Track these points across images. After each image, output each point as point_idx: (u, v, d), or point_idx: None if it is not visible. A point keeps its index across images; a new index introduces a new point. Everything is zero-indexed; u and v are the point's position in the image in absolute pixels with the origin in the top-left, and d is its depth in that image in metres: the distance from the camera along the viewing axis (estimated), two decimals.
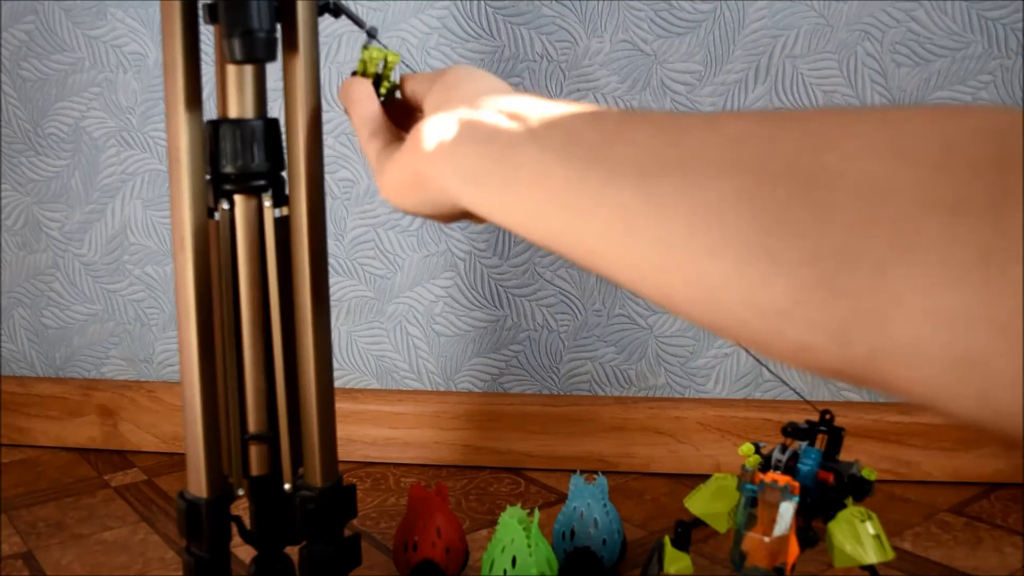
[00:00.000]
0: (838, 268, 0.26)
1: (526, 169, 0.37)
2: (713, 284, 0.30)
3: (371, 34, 0.59)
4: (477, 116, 0.42)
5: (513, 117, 0.40)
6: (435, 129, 0.44)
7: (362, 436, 1.04)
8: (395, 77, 0.59)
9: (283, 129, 0.60)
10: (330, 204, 1.02)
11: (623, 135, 0.34)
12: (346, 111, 0.56)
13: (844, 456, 0.66)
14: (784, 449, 0.64)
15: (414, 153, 0.45)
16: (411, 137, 0.46)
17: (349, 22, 0.62)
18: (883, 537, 0.62)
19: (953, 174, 0.25)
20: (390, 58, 0.57)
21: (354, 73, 0.58)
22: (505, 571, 0.69)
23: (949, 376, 0.24)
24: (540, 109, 0.40)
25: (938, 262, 0.24)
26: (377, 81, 0.58)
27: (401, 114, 0.57)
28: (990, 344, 0.23)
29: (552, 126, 0.38)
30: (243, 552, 0.76)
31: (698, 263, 0.30)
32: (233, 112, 0.59)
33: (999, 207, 0.23)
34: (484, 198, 0.40)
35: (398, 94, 0.58)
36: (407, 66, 0.62)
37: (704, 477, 0.69)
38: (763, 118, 0.31)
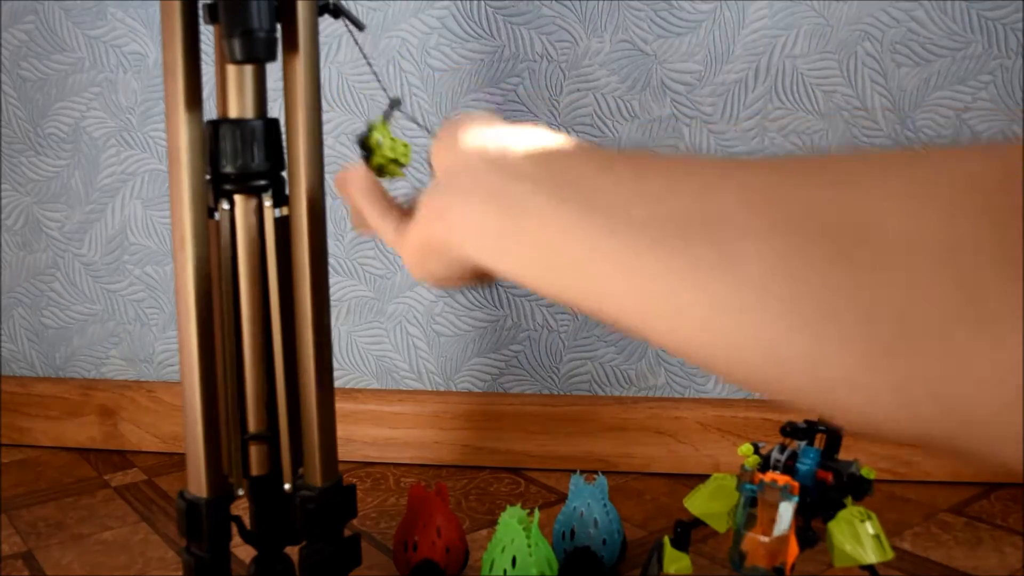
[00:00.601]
0: (898, 331, 0.25)
1: (542, 229, 0.36)
2: (761, 352, 0.28)
3: (394, 105, 0.57)
4: (487, 174, 0.40)
5: (523, 173, 0.38)
6: (445, 191, 0.42)
7: (362, 436, 1.04)
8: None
9: (283, 129, 0.60)
10: (330, 204, 1.02)
11: (642, 189, 0.33)
12: (342, 195, 0.55)
13: (844, 455, 0.66)
14: (783, 449, 0.64)
15: (427, 219, 0.44)
16: (422, 204, 0.44)
17: (353, 22, 0.62)
18: (883, 537, 0.62)
19: (1001, 224, 0.23)
20: (402, 158, 0.57)
21: (364, 145, 0.57)
22: (505, 571, 0.69)
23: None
24: (551, 162, 0.38)
25: (1008, 323, 0.23)
26: (366, 152, 0.57)
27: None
28: None
29: (564, 181, 0.36)
30: (243, 552, 0.76)
31: (744, 331, 0.29)
32: (233, 112, 0.59)
33: None
34: (500, 258, 0.39)
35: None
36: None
37: (704, 477, 0.69)
38: (781, 168, 0.30)
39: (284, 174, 0.60)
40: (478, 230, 0.40)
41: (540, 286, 0.37)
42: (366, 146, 0.56)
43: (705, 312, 0.30)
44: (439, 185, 0.43)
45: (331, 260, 1.03)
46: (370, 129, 0.56)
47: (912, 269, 0.25)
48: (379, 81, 0.60)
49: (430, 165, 0.52)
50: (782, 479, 0.61)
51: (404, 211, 0.51)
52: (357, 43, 0.60)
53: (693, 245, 0.30)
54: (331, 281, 1.02)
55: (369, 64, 0.59)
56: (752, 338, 0.29)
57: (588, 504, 0.77)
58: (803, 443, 0.65)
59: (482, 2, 0.97)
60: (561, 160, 0.38)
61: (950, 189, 0.25)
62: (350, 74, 0.99)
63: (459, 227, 0.41)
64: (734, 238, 0.29)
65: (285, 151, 0.60)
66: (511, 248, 0.38)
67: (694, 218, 0.31)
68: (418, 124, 0.59)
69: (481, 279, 0.45)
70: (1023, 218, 0.23)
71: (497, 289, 1.02)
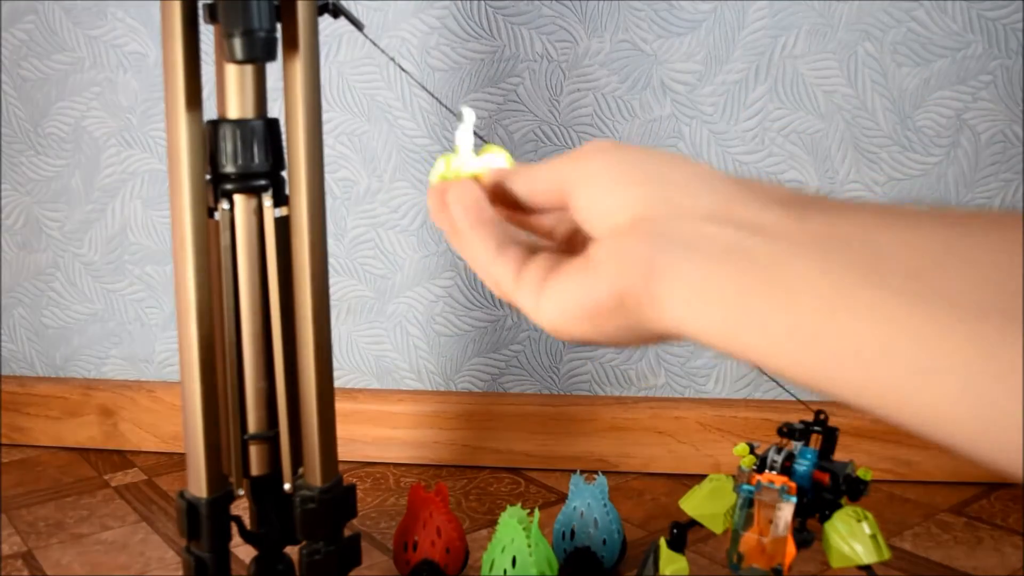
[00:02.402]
0: None
1: (815, 299, 0.29)
2: None
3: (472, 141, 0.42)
4: (704, 222, 0.33)
5: (762, 216, 0.32)
6: (664, 241, 0.34)
7: (362, 436, 1.04)
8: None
9: (283, 129, 0.60)
10: (330, 204, 1.02)
11: (950, 265, 0.28)
12: (436, 216, 0.40)
13: (845, 456, 0.66)
14: (779, 450, 0.64)
15: (621, 274, 0.34)
16: (614, 250, 0.35)
17: (352, 22, 0.62)
18: (879, 537, 0.62)
19: None
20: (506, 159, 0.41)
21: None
22: (505, 571, 0.69)
23: None
24: (792, 203, 0.33)
25: None
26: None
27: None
28: None
29: (826, 229, 0.31)
30: (243, 552, 0.76)
31: None
32: (233, 112, 0.59)
33: None
34: (733, 328, 0.32)
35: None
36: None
37: (704, 477, 0.69)
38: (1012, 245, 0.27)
39: (284, 174, 0.60)
40: (702, 292, 0.32)
41: (787, 367, 0.31)
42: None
43: (1005, 410, 0.25)
44: (655, 230, 0.34)
45: (331, 260, 1.03)
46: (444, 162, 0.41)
47: None
48: (353, 21, 0.58)
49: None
50: (779, 480, 0.61)
51: (529, 248, 0.39)
52: (373, 41, 0.60)
53: (991, 322, 0.25)
54: (331, 281, 1.02)
55: (393, 60, 0.58)
56: None
57: (588, 504, 0.77)
58: (800, 444, 0.65)
59: (482, 2, 0.97)
60: (812, 208, 0.32)
61: None
62: (350, 74, 0.99)
63: (672, 286, 0.33)
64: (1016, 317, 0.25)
65: (285, 151, 0.60)
66: (752, 320, 0.31)
67: (996, 293, 0.26)
68: (390, 58, 0.50)
69: (654, 342, 0.38)
70: None
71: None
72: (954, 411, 0.26)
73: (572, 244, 0.40)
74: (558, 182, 0.38)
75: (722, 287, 0.32)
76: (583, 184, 0.37)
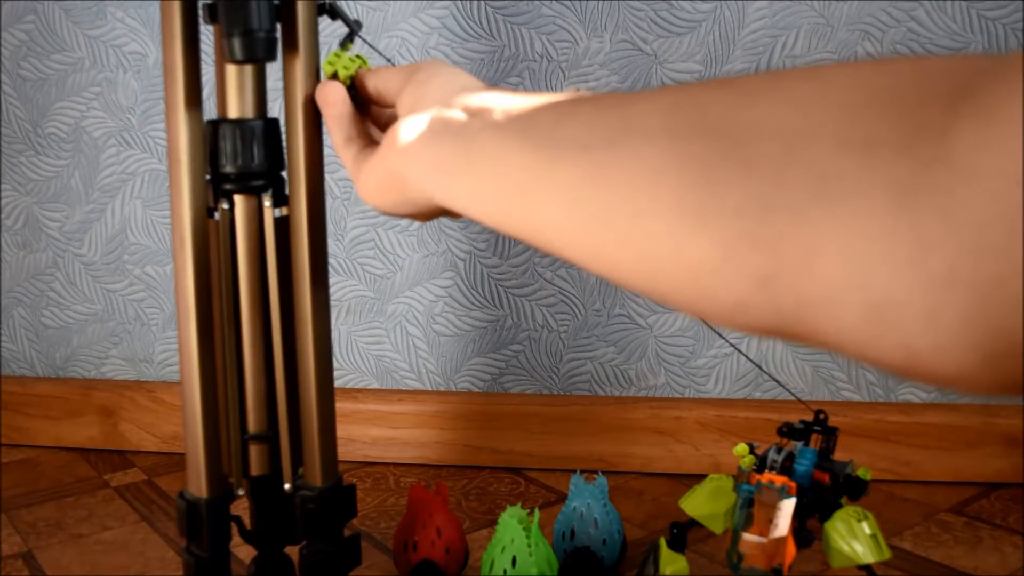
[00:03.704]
0: (758, 220, 0.26)
1: (486, 158, 0.37)
2: (648, 249, 0.29)
3: (352, 35, 0.58)
4: (448, 113, 0.42)
5: (481, 110, 0.40)
6: (410, 128, 0.44)
7: (362, 436, 1.04)
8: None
9: (283, 129, 0.60)
10: (330, 204, 1.02)
11: (573, 116, 0.35)
12: (321, 114, 0.56)
13: (845, 456, 0.66)
14: (780, 450, 0.64)
15: (391, 153, 0.45)
16: (387, 138, 0.46)
17: (347, 24, 0.62)
18: (880, 537, 0.62)
19: (870, 115, 0.24)
20: (363, 67, 0.56)
21: (333, 76, 0.56)
22: (505, 571, 0.69)
23: (868, 321, 0.23)
24: (507, 101, 0.40)
25: (852, 203, 0.23)
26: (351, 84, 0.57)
27: (365, 110, 0.56)
28: (896, 280, 0.22)
29: (512, 114, 0.38)
30: (243, 552, 0.76)
31: (634, 230, 0.30)
32: (233, 112, 0.59)
33: (912, 141, 0.22)
34: (454, 191, 0.40)
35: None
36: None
37: (704, 477, 0.69)
38: (699, 85, 0.32)
39: (284, 174, 0.60)
40: (435, 164, 0.41)
41: (492, 220, 0.38)
42: (336, 76, 0.56)
43: (605, 218, 0.31)
44: (406, 122, 0.44)
45: (331, 260, 1.03)
46: (329, 60, 0.56)
47: (775, 161, 0.25)
48: (347, 22, 0.60)
49: (360, 86, 0.54)
50: (779, 480, 0.61)
51: (366, 138, 0.53)
52: (370, 44, 0.60)
53: (601, 153, 0.31)
54: (331, 281, 1.02)
55: (390, 62, 0.59)
56: (639, 237, 0.30)
57: (588, 504, 0.77)
58: (800, 444, 0.65)
59: (482, 2, 0.97)
60: (518, 102, 0.39)
61: (837, 89, 0.26)
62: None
63: (419, 161, 0.42)
64: (637, 142, 0.30)
65: (285, 151, 0.60)
66: (465, 182, 0.39)
67: (612, 132, 0.32)
68: (386, 59, 0.59)
69: (434, 214, 0.47)
70: (888, 106, 0.23)
71: (497, 289, 1.02)
72: (547, 221, 0.34)
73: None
74: (396, 84, 0.49)
75: (446, 162, 0.40)
76: (401, 93, 0.48)
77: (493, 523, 0.85)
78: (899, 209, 0.22)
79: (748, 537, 0.60)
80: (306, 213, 0.59)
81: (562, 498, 0.94)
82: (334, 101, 0.54)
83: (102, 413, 1.08)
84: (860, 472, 0.63)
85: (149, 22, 1.02)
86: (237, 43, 0.53)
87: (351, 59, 0.56)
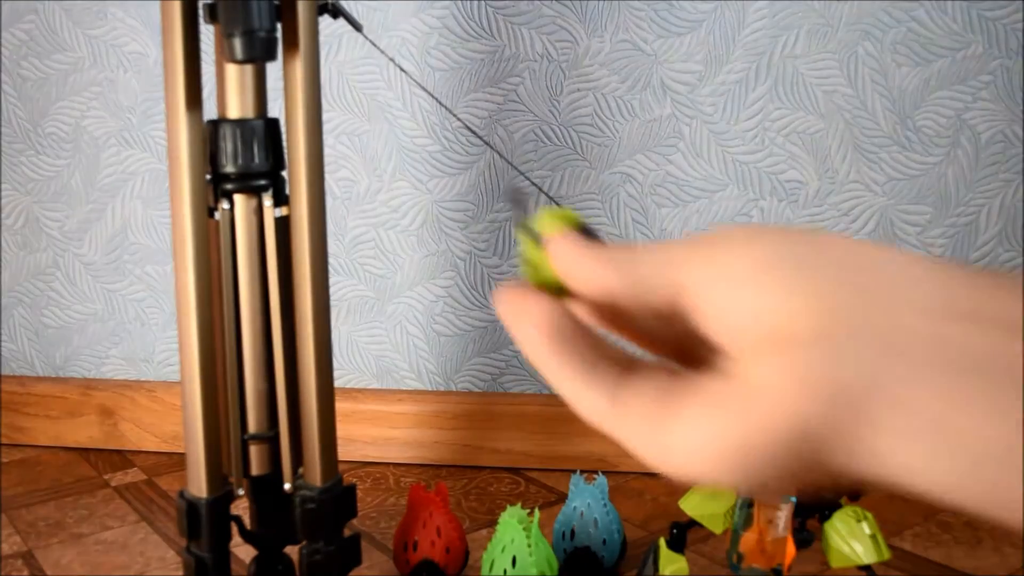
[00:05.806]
0: None
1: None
2: None
3: (518, 201, 0.36)
4: (939, 322, 0.24)
5: (1004, 311, 0.24)
6: (856, 351, 0.24)
7: (362, 436, 1.04)
8: None
9: (283, 129, 0.60)
10: (330, 204, 1.02)
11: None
12: (510, 331, 0.30)
13: None
14: None
15: (806, 398, 0.25)
16: (786, 370, 0.25)
17: (351, 23, 0.62)
18: (879, 537, 0.62)
19: None
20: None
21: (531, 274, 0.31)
22: (505, 571, 0.69)
23: None
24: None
25: None
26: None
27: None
28: None
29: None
30: (243, 552, 0.76)
31: None
32: (233, 112, 0.59)
33: None
34: (953, 465, 0.23)
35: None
36: None
37: None
38: None
39: (284, 174, 0.60)
40: (947, 423, 0.23)
41: (961, 492, 0.24)
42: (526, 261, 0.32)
43: None
44: (817, 345, 0.25)
45: (331, 260, 1.03)
46: (523, 241, 0.32)
47: None
48: (352, 22, 0.57)
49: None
50: None
51: (622, 362, 0.29)
52: (373, 42, 0.60)
53: None
54: (331, 281, 1.02)
55: (393, 61, 0.58)
56: None
57: (588, 504, 0.77)
58: None
59: (482, 2, 0.97)
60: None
61: None
62: (350, 74, 0.99)
63: (895, 416, 0.24)
64: None
65: (285, 151, 0.60)
66: (951, 442, 0.23)
67: None
68: (389, 59, 0.46)
69: (845, 491, 0.32)
70: None
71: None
72: None
73: (685, 356, 0.30)
74: (672, 280, 0.28)
75: (978, 414, 0.23)
76: (713, 283, 0.27)
77: (493, 523, 0.85)
78: None
79: (748, 537, 0.61)
80: (306, 213, 0.59)
81: (562, 498, 0.94)
82: (533, 314, 0.29)
83: (102, 413, 1.08)
84: None
85: (149, 22, 1.02)
86: (237, 43, 0.53)
87: (565, 215, 0.30)
